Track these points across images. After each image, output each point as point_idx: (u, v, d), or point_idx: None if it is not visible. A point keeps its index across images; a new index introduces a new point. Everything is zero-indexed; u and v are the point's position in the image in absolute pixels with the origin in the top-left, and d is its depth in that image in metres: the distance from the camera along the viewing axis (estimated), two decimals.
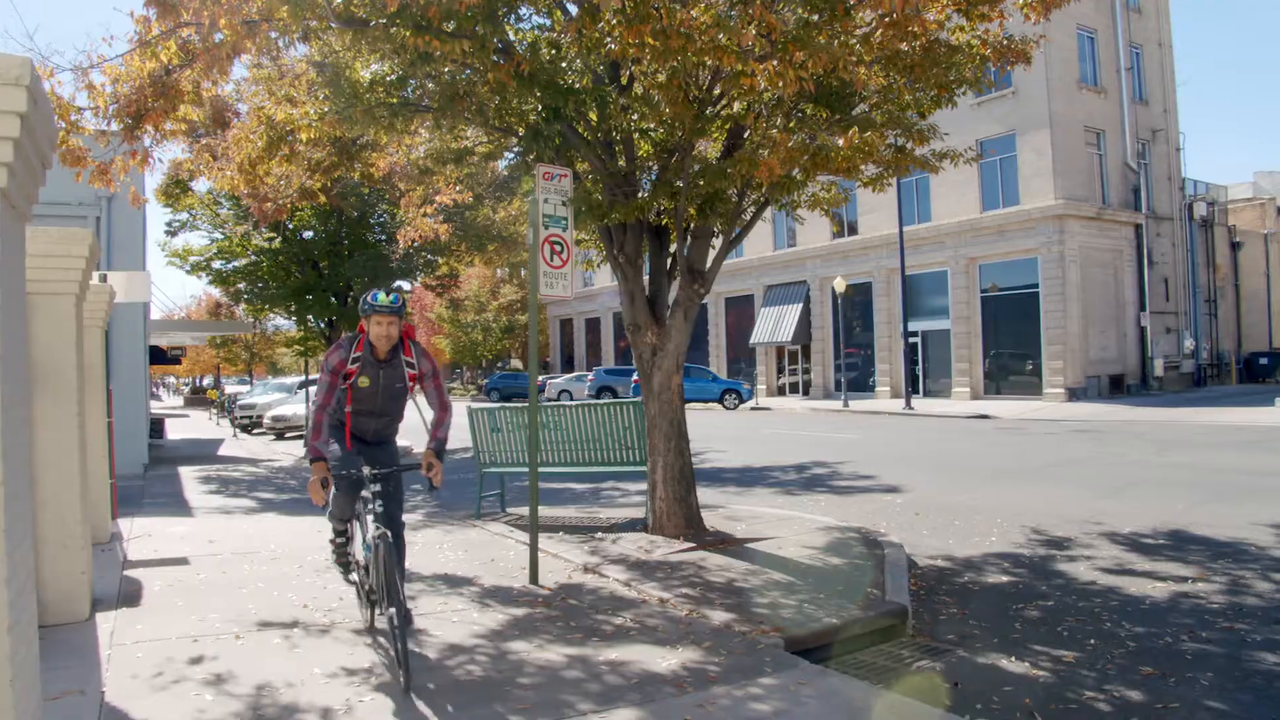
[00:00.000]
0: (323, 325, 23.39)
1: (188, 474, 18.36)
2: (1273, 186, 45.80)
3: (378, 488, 5.56)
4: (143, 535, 10.27)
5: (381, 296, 5.64)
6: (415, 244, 15.73)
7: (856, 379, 37.58)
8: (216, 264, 23.58)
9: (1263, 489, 11.82)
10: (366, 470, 5.58)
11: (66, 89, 20.67)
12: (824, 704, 4.78)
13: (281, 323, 35.92)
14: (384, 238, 22.43)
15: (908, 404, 31.13)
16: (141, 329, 20.22)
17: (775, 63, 5.64)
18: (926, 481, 13.71)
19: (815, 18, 6.63)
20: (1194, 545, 8.88)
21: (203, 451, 24.71)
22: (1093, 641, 6.21)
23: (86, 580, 6.76)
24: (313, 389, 35.59)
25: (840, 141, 6.88)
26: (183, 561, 8.74)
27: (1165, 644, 6.11)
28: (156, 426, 28.18)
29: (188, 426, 38.15)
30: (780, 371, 43.43)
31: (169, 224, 23.71)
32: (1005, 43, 8.54)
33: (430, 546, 9.50)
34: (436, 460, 5.62)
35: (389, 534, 5.41)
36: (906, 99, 8.04)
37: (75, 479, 6.72)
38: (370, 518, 5.55)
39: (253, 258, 22.78)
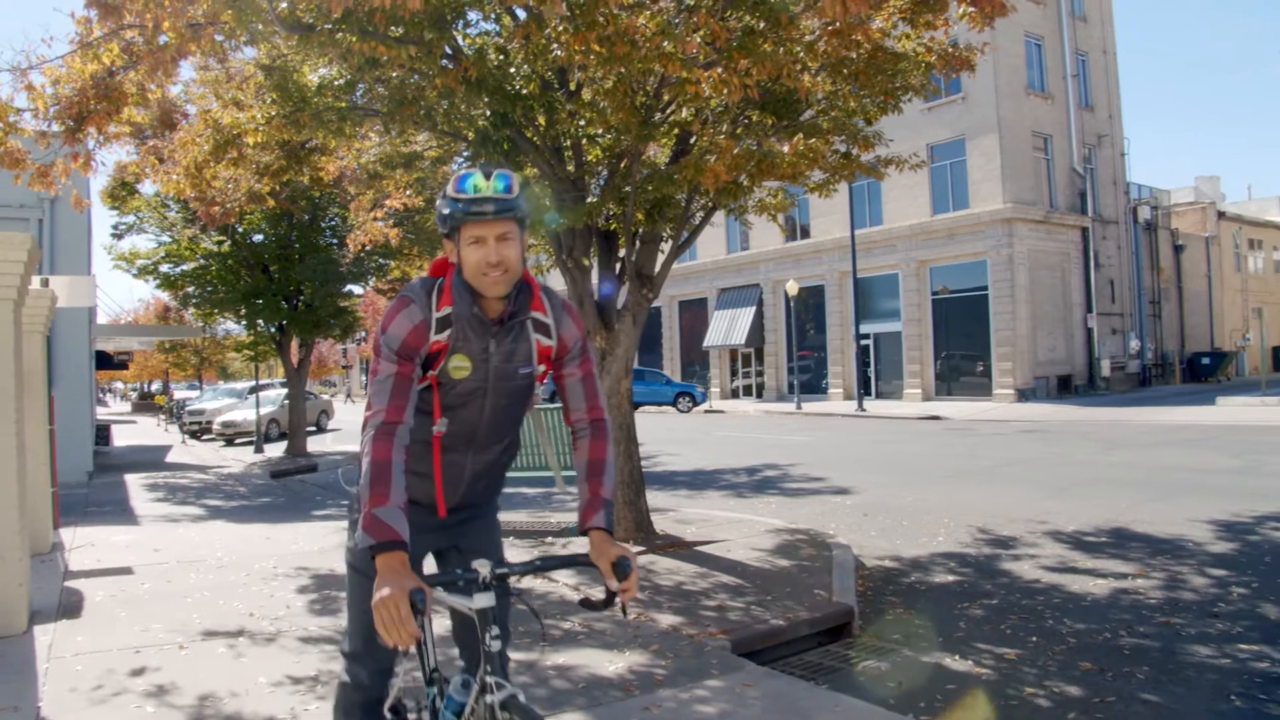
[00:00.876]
0: (273, 330, 23.13)
1: (134, 481, 18.09)
2: (1213, 191, 46.76)
3: (490, 601, 2.59)
4: (85, 545, 10.11)
5: (478, 180, 2.65)
6: (366, 248, 15.62)
7: (809, 381, 37.84)
8: (164, 268, 23.24)
9: (1202, 486, 12.06)
10: (485, 569, 2.58)
11: (4, 90, 20.34)
12: (769, 705, 4.82)
13: (232, 327, 35.44)
14: (335, 241, 22.24)
15: (860, 406, 31.40)
16: (86, 334, 19.90)
17: (720, 70, 5.69)
18: (876, 483, 13.84)
19: (761, 25, 6.68)
20: (1135, 542, 9.05)
21: (150, 458, 24.36)
22: (1035, 639, 6.32)
23: (24, 592, 6.64)
24: (268, 393, 34.27)
25: (785, 148, 6.95)
26: (126, 571, 8.62)
27: (1104, 639, 6.23)
28: (102, 433, 27.75)
29: (135, 433, 37.58)
30: (734, 374, 43.60)
31: (115, 227, 23.34)
32: (950, 50, 8.68)
33: None
34: (617, 548, 2.66)
35: (519, 695, 2.50)
36: (852, 105, 8.13)
37: (13, 488, 6.60)
38: (481, 664, 2.58)
39: (201, 261, 22.48)
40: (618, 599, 2.58)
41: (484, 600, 2.54)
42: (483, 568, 2.54)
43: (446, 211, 2.65)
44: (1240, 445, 16.55)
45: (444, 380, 2.77)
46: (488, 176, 2.62)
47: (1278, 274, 49.05)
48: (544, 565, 2.68)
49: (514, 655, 5.58)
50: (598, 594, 2.63)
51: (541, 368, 2.90)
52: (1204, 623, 6.48)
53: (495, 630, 2.52)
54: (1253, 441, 17.06)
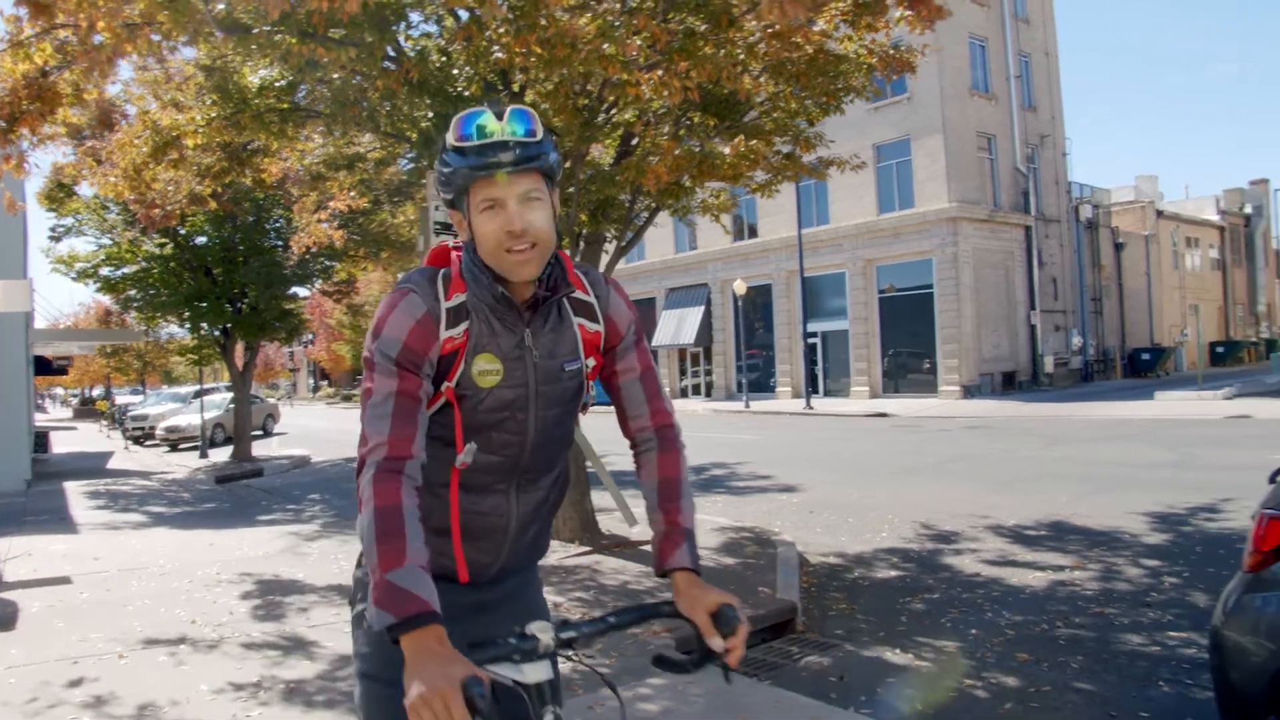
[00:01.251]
0: (217, 333, 22.83)
1: (74, 489, 17.77)
2: (1152, 190, 47.72)
3: (548, 673, 1.93)
4: (22, 554, 9.93)
5: (488, 121, 1.96)
6: (311, 250, 15.49)
7: (758, 380, 38.04)
8: (105, 271, 22.83)
9: (1139, 480, 12.32)
10: (546, 634, 1.90)
11: None
12: (712, 701, 4.87)
13: (175, 330, 34.91)
14: (280, 243, 21.99)
15: (808, 404, 31.64)
16: (22, 339, 19.51)
17: (660, 72, 5.73)
18: (823, 480, 13.97)
19: (702, 27, 6.73)
20: (1073, 535, 9.23)
21: (91, 465, 23.93)
22: (974, 631, 6.43)
23: None
24: (212, 398, 33.81)
25: (727, 149, 7.01)
26: (64, 581, 8.48)
27: (1041, 631, 6.36)
28: (41, 440, 27.22)
29: (76, 439, 36.90)
30: (683, 373, 43.73)
31: (53, 229, 22.88)
32: (891, 52, 8.79)
33: (326, 557, 9.39)
34: (715, 593, 1.97)
35: None
36: (794, 107, 8.21)
37: None
38: None
39: (143, 264, 22.11)
40: (718, 659, 1.90)
41: (540, 672, 1.88)
42: (543, 633, 1.86)
43: (447, 169, 1.97)
44: (1176, 439, 16.91)
45: (467, 392, 2.03)
46: (500, 116, 1.93)
47: (1214, 271, 50.17)
48: (620, 622, 1.98)
49: None
50: (672, 647, 2.03)
51: (591, 362, 2.21)
52: (1137, 612, 6.64)
53: (556, 711, 1.89)
54: (1188, 435, 17.45)
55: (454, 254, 2.11)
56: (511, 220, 1.92)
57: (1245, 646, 3.68)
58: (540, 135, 1.96)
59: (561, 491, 2.32)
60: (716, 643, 1.87)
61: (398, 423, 1.91)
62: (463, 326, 2.01)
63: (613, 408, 2.27)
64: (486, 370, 2.03)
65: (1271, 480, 3.96)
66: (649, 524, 2.15)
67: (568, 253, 2.35)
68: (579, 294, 2.17)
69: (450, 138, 1.97)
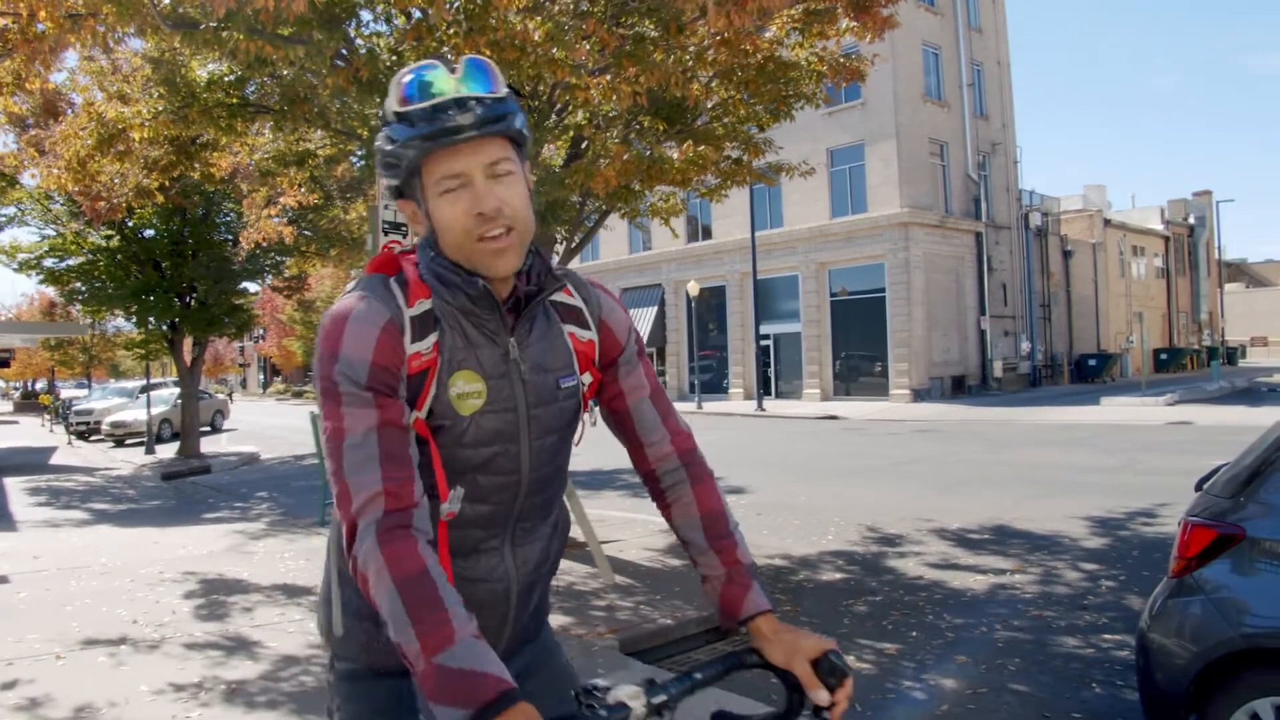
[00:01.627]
0: (165, 328, 22.51)
1: (13, 485, 17.46)
2: (1099, 199, 48.54)
3: None
4: None
5: (438, 77, 1.56)
6: (261, 245, 15.34)
7: (711, 381, 38.19)
8: (48, 262, 22.43)
9: (1081, 484, 12.54)
10: (638, 701, 1.51)
11: None
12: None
13: (122, 324, 34.37)
14: (230, 238, 21.74)
15: (760, 405, 31.81)
16: None
17: (610, 77, 5.76)
18: (771, 482, 14.07)
19: (653, 33, 6.77)
20: (1015, 539, 9.38)
21: (32, 460, 23.51)
22: (915, 634, 6.53)
23: None
24: (160, 393, 33.47)
25: (676, 154, 7.06)
26: (2, 580, 8.35)
27: (981, 633, 6.48)
28: None
29: (17, 433, 36.21)
30: None
31: None
32: (842, 60, 8.89)
33: (272, 555, 9.32)
34: (812, 638, 1.64)
35: None
36: (743, 113, 8.28)
37: None
38: None
39: (89, 256, 21.76)
40: (824, 715, 1.60)
41: None
42: (634, 700, 1.51)
43: (391, 145, 1.58)
44: (1119, 444, 17.23)
45: (444, 422, 1.63)
46: (453, 70, 1.57)
47: (1158, 280, 51.15)
48: (707, 677, 1.64)
49: None
50: (751, 699, 1.72)
51: (587, 378, 1.83)
52: (1073, 615, 6.78)
53: None
54: (1130, 440, 17.78)
55: (404, 259, 1.70)
56: (481, 199, 1.56)
57: (1169, 648, 3.79)
58: (504, 92, 1.58)
59: (562, 541, 1.92)
60: (821, 696, 1.58)
61: (389, 464, 1.52)
62: (431, 339, 1.61)
63: (609, 432, 1.94)
64: (467, 392, 1.63)
65: (1198, 488, 4.07)
66: (696, 566, 1.82)
67: None
68: (564, 296, 1.81)
69: (391, 103, 1.58)
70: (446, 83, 1.54)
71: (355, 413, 1.53)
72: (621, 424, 1.91)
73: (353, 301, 1.59)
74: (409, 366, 1.58)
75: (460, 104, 1.52)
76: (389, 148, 1.57)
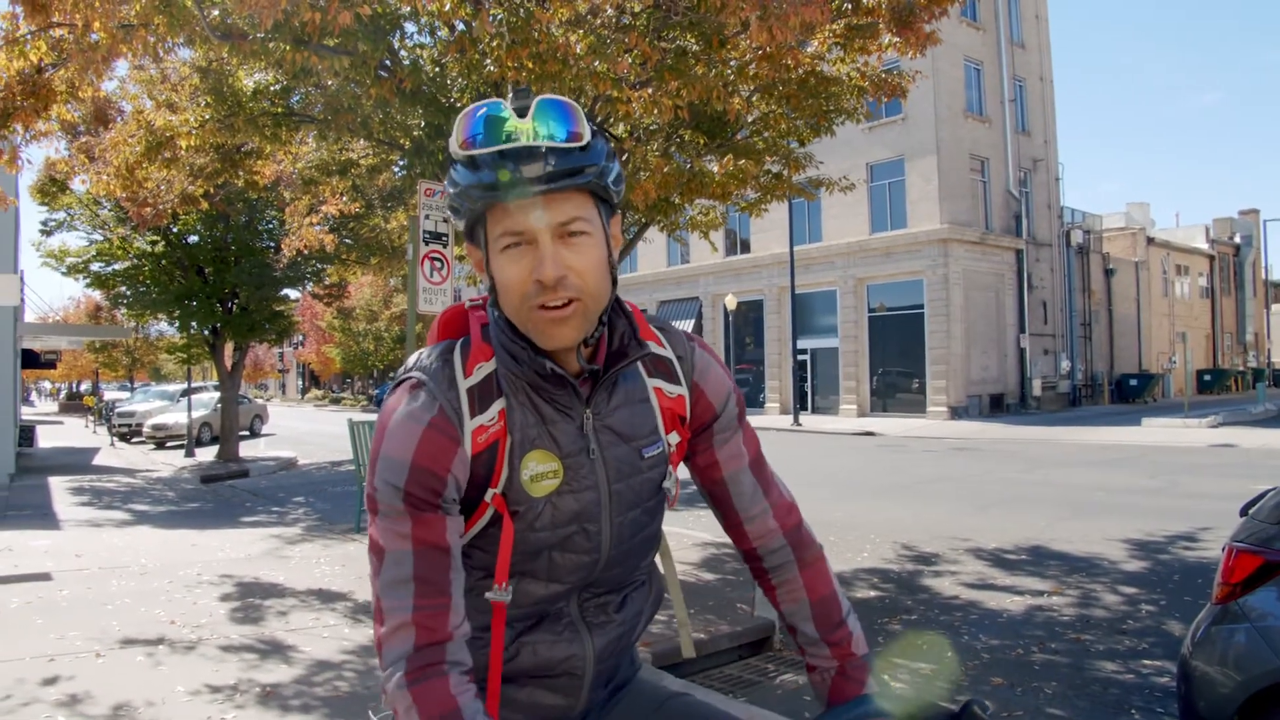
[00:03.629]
0: (207, 332, 22.79)
1: (58, 484, 17.72)
2: (1143, 217, 48.00)
3: None
4: (3, 550, 9.91)
5: (506, 117, 1.36)
6: (302, 252, 15.51)
7: (747, 395, 38.09)
8: (95, 266, 22.82)
9: (1119, 506, 12.38)
10: None
11: None
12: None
13: (165, 328, 34.87)
14: (272, 245, 21.99)
15: (796, 421, 31.69)
16: (10, 333, 19.48)
17: (651, 90, 5.78)
18: (807, 498, 13.86)
19: (695, 46, 6.79)
20: (1052, 560, 9.27)
21: (76, 460, 23.86)
22: (949, 654, 6.46)
23: None
24: (200, 396, 33.70)
25: (716, 168, 7.06)
26: (45, 577, 8.47)
27: (1017, 655, 6.40)
28: (26, 434, 27.13)
29: (61, 434, 36.77)
30: None
31: (44, 224, 22.88)
32: (883, 76, 8.86)
33: (307, 561, 9.38)
34: None
35: None
36: (784, 127, 8.27)
37: None
38: None
39: (134, 261, 22.10)
40: None
41: None
42: None
43: (455, 189, 1.42)
44: (1159, 466, 17.00)
45: (518, 506, 1.48)
46: (524, 112, 1.37)
47: (1202, 300, 50.48)
48: None
49: None
50: None
51: (674, 439, 1.63)
52: (1113, 639, 6.68)
53: None
54: (1171, 462, 17.53)
55: (472, 316, 1.56)
56: (543, 264, 1.37)
57: (1212, 677, 3.72)
58: (587, 137, 1.38)
59: (654, 607, 1.76)
60: None
61: (423, 591, 1.39)
62: (496, 408, 1.46)
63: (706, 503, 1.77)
64: (541, 473, 1.48)
65: (1242, 513, 4.01)
66: (801, 653, 1.72)
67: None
68: (651, 346, 1.56)
69: (454, 144, 1.40)
70: (517, 125, 1.35)
71: (390, 528, 1.41)
72: (716, 496, 1.73)
73: (400, 396, 1.46)
74: (474, 444, 1.44)
75: (530, 153, 1.33)
76: (452, 190, 1.42)
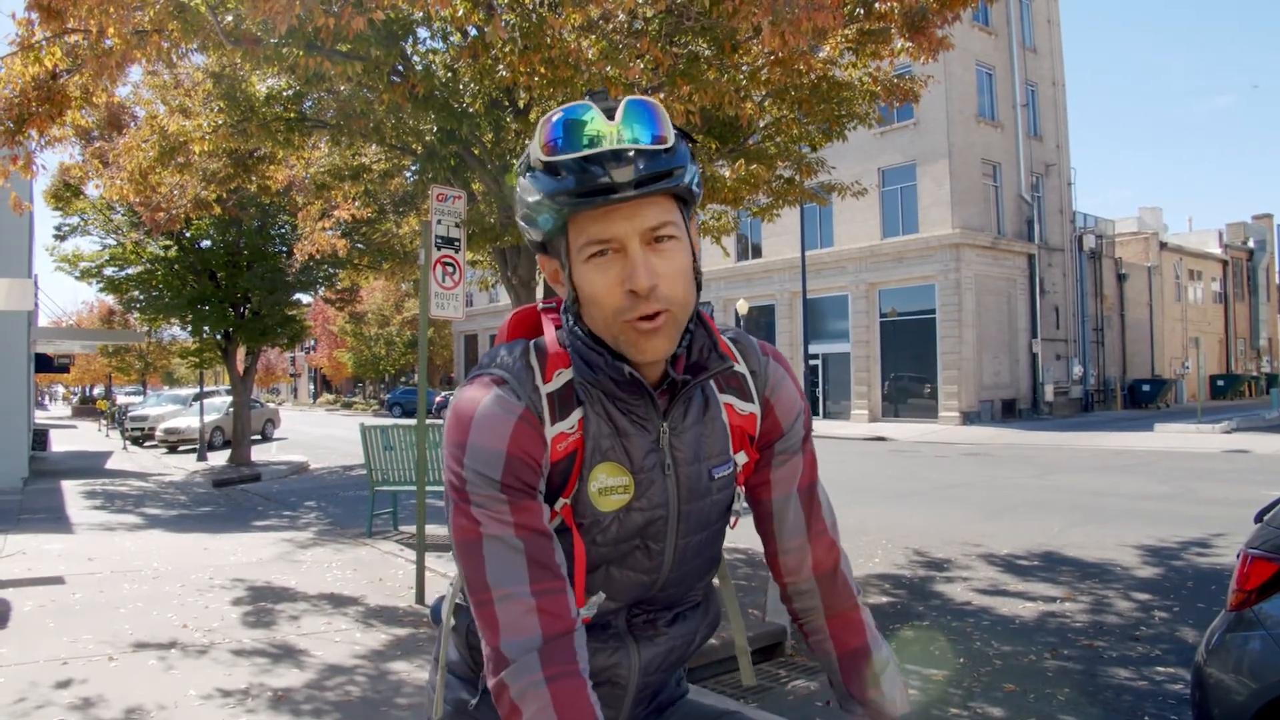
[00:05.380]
0: (219, 337, 22.87)
1: (71, 488, 17.78)
2: (1155, 221, 47.81)
3: None
4: (16, 553, 9.95)
5: (594, 119, 1.31)
6: (314, 257, 15.56)
7: None
8: (108, 271, 22.91)
9: (1132, 511, 12.33)
10: None
11: None
12: None
13: (178, 332, 35.00)
14: (284, 249, 22.06)
15: None
16: (24, 337, 19.58)
17: (663, 95, 5.79)
18: None
19: (707, 51, 6.80)
20: (1065, 566, 9.23)
21: (89, 464, 23.94)
22: (962, 660, 6.43)
23: None
24: (213, 400, 33.87)
25: (728, 173, 7.06)
26: (58, 581, 8.50)
27: (1029, 661, 6.37)
28: (40, 438, 27.25)
29: (75, 438, 36.93)
30: None
31: (58, 228, 23.01)
32: (895, 81, 8.85)
33: (319, 565, 9.40)
34: None
35: None
36: (796, 132, 8.27)
37: None
38: None
39: (147, 265, 22.19)
40: None
41: None
42: None
43: (533, 198, 1.36)
44: (1172, 471, 16.92)
45: (583, 519, 1.44)
46: (611, 114, 1.31)
47: (1216, 305, 50.26)
48: None
49: None
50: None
51: (742, 458, 1.58)
52: (1125, 646, 6.65)
53: None
54: (1185, 468, 17.45)
55: (546, 319, 1.51)
56: (635, 272, 1.32)
57: (1227, 684, 3.70)
58: (672, 140, 1.34)
59: (710, 629, 1.70)
60: None
61: (538, 574, 1.33)
62: (576, 416, 1.41)
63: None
64: (610, 487, 1.42)
65: (1258, 519, 3.98)
66: (838, 703, 1.67)
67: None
68: (729, 361, 1.50)
69: (535, 149, 1.35)
70: (602, 128, 1.30)
71: (490, 515, 1.34)
72: (759, 517, 1.67)
73: (483, 387, 1.39)
74: (553, 451, 1.39)
75: (618, 156, 1.28)
76: (530, 199, 1.35)
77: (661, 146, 1.31)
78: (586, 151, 1.28)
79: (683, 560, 1.52)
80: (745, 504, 1.64)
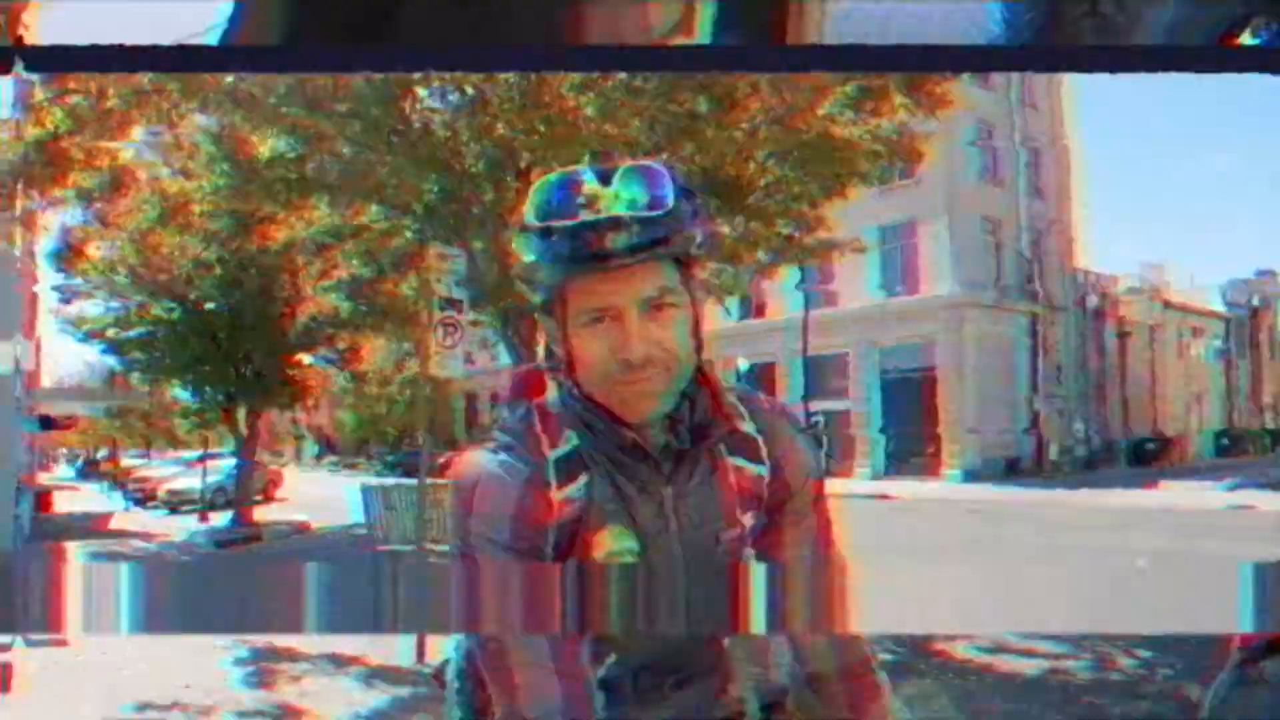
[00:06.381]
0: (220, 397, 22.82)
1: (74, 549, 17.68)
2: (1157, 278, 47.89)
3: None
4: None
5: (589, 184, 1.31)
6: (316, 318, 15.62)
7: None
8: (110, 332, 22.95)
9: (1136, 568, 12.20)
10: None
11: None
12: None
13: (179, 394, 35.00)
14: (285, 310, 22.08)
15: None
16: (9, 395, 19.43)
17: (665, 155, 5.85)
18: None
19: (705, 109, 6.86)
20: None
21: (90, 525, 23.80)
22: (964, 718, 6.35)
23: None
24: (215, 462, 33.82)
25: (727, 229, 7.11)
26: (60, 642, 8.42)
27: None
28: (41, 499, 27.12)
29: (78, 499, 36.76)
30: None
31: (59, 288, 23.09)
32: (895, 140, 8.93)
33: None
34: None
35: None
36: (796, 190, 8.32)
37: None
38: None
39: (149, 327, 22.22)
40: None
41: None
42: None
43: (530, 257, 1.36)
44: (1177, 528, 16.78)
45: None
46: (606, 180, 1.31)
47: (1219, 362, 50.15)
48: None
49: None
50: None
51: (750, 520, 1.55)
52: (1129, 703, 6.57)
53: None
54: (1189, 525, 17.31)
55: (550, 380, 1.50)
56: (629, 342, 1.31)
57: None
58: (671, 202, 1.30)
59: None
60: None
61: (551, 636, 1.36)
62: (583, 481, 1.41)
63: None
64: (618, 551, 1.42)
65: None
66: None
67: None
68: (734, 426, 1.50)
69: (529, 213, 1.35)
70: (597, 192, 1.29)
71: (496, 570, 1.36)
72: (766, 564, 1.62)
73: (489, 453, 1.41)
74: (558, 513, 1.39)
75: (613, 224, 1.27)
76: (527, 261, 1.36)
77: (658, 212, 1.29)
78: (580, 218, 1.28)
79: (678, 654, 1.54)
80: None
